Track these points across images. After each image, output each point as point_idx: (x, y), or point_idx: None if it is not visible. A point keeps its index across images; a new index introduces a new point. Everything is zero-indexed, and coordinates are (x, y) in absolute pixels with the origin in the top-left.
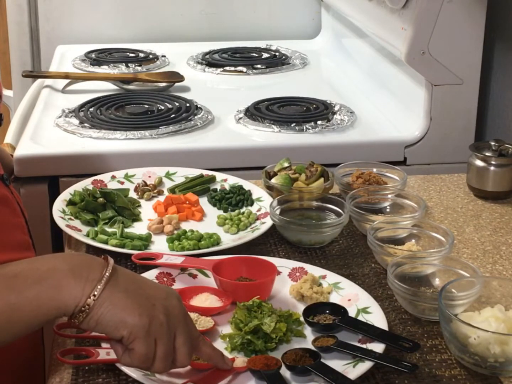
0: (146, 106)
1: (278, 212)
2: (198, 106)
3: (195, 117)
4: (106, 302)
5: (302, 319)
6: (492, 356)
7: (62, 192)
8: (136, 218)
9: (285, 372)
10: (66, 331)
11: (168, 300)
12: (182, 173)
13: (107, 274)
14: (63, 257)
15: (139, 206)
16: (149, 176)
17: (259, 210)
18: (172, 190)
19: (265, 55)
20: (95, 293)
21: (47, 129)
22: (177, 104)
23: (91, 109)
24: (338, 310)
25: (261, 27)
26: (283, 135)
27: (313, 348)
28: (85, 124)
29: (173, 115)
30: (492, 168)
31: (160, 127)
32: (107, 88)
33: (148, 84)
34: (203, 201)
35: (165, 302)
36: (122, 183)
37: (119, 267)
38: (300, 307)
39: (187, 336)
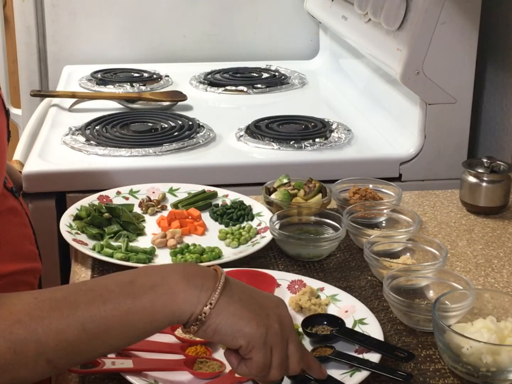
0: (150, 124)
1: (277, 226)
2: (200, 124)
3: (198, 135)
4: (223, 311)
5: (301, 330)
6: (484, 365)
7: (69, 207)
8: (140, 232)
9: (286, 382)
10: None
11: (279, 309)
12: (185, 189)
13: (221, 283)
14: (176, 267)
15: (143, 221)
16: (153, 192)
17: (259, 224)
18: (175, 205)
19: (265, 75)
20: (212, 301)
21: (54, 146)
22: (180, 122)
23: (97, 127)
24: (336, 321)
25: (261, 48)
26: (283, 152)
27: None
28: (91, 142)
29: (176, 133)
30: (484, 184)
31: (164, 144)
32: (112, 107)
33: (152, 103)
34: (205, 216)
35: (277, 311)
36: (127, 198)
37: (230, 277)
38: (299, 319)
39: (297, 344)
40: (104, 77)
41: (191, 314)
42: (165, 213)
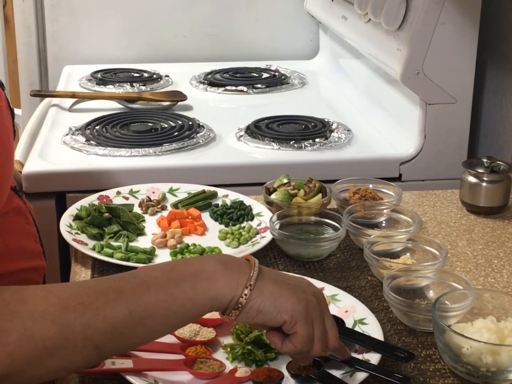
0: (150, 124)
1: (277, 226)
2: (200, 124)
3: (198, 135)
4: (263, 291)
5: None
6: (484, 365)
7: (69, 207)
8: (140, 232)
9: (288, 381)
10: None
11: (311, 287)
12: (185, 189)
13: (256, 267)
14: (212, 256)
15: (143, 221)
16: (153, 192)
17: (259, 224)
18: (175, 205)
19: (265, 75)
20: (251, 283)
21: (54, 146)
22: (180, 122)
23: (97, 127)
24: (336, 321)
25: (261, 48)
26: (283, 152)
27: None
28: (91, 142)
29: (176, 133)
30: (484, 184)
31: (164, 144)
32: (112, 107)
33: (152, 103)
34: (205, 216)
35: (311, 288)
36: (127, 198)
37: (260, 265)
38: None
39: (332, 319)
40: (104, 77)
41: (232, 297)
42: (165, 213)
